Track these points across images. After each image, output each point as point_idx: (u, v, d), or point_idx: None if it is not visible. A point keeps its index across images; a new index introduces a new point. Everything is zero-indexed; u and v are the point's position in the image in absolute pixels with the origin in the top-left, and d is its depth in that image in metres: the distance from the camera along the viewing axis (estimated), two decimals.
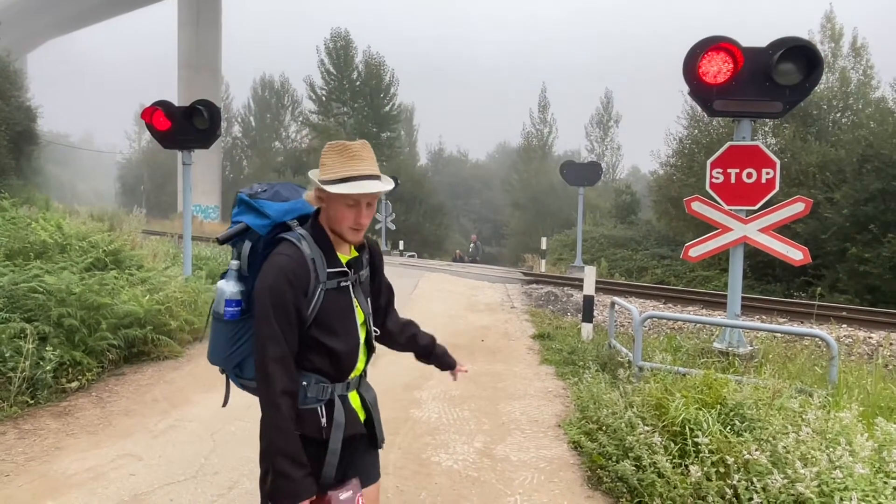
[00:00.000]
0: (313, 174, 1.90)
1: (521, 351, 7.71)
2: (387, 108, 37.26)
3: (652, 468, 3.59)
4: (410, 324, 2.49)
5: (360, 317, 1.96)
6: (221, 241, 1.92)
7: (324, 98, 37.81)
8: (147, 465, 3.96)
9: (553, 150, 45.86)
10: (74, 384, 5.23)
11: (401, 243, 24.54)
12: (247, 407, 5.21)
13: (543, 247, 19.84)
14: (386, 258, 11.87)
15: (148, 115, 9.05)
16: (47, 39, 57.09)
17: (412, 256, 23.28)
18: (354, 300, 1.94)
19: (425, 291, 12.10)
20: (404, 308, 10.05)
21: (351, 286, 1.93)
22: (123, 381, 5.61)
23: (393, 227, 23.91)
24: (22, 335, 4.96)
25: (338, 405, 1.92)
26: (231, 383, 2.11)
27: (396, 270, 15.43)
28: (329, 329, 1.85)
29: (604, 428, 4.39)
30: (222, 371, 2.05)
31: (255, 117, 49.48)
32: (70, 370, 5.27)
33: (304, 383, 1.86)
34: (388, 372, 6.52)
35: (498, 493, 3.88)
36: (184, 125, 9.02)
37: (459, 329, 8.82)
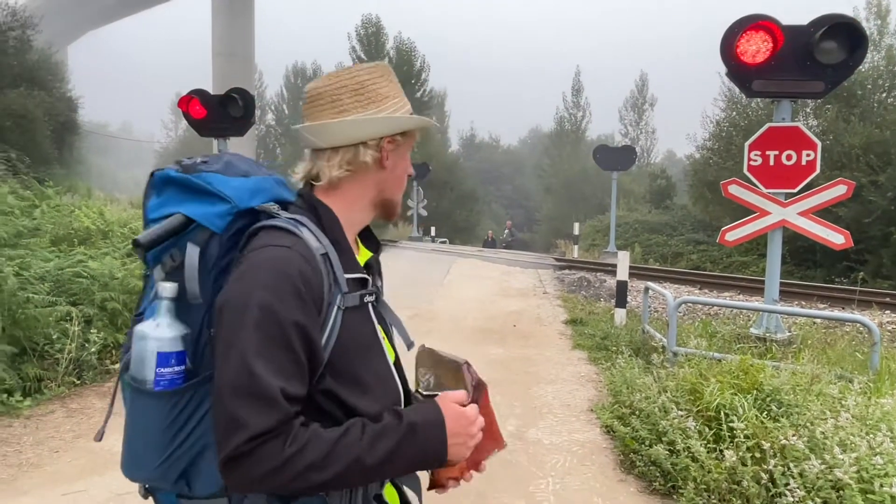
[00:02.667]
0: (400, 119, 1.19)
1: (553, 336, 7.70)
2: (418, 95, 37.19)
3: (685, 452, 3.57)
4: None
5: (390, 355, 1.27)
6: (147, 247, 1.09)
7: None
8: None
9: (586, 135, 45.30)
10: (118, 365, 5.39)
11: (432, 229, 24.59)
12: None
13: (576, 232, 19.68)
14: (417, 244, 12.06)
15: (184, 103, 9.21)
16: (87, 31, 58.39)
17: (444, 242, 23.29)
18: (379, 328, 1.23)
19: (457, 277, 12.13)
20: (437, 294, 10.11)
21: (372, 304, 1.22)
22: None
23: (425, 213, 23.95)
24: (68, 318, 5.14)
25: None
26: None
27: (428, 256, 15.50)
28: (354, 379, 1.11)
29: (637, 412, 4.38)
30: (146, 493, 1.17)
31: (288, 105, 49.92)
32: (114, 352, 5.45)
33: None
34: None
35: (530, 475, 3.90)
36: (219, 113, 9.16)
37: (491, 314, 8.84)
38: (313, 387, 1.06)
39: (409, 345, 1.42)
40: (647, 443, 3.94)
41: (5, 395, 4.37)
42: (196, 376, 1.08)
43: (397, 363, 1.31)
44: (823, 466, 2.97)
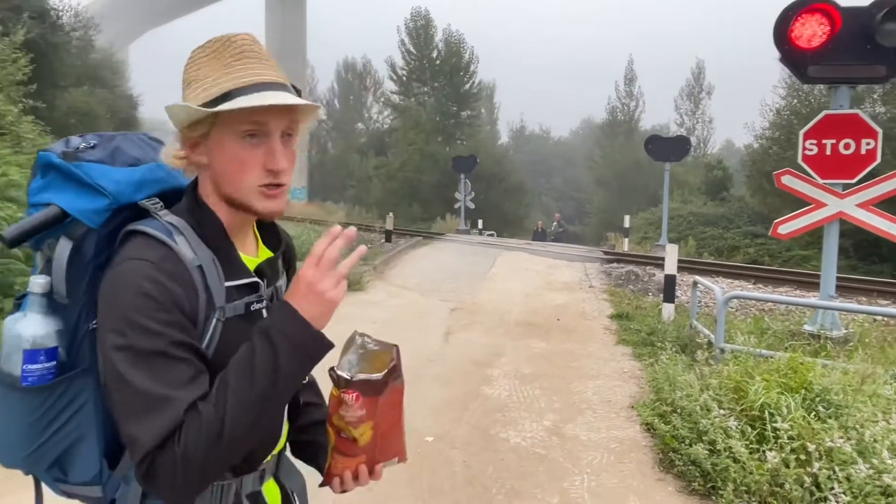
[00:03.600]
0: (177, 108, 1.02)
1: (597, 331, 7.57)
2: (467, 87, 37.11)
3: (726, 453, 3.46)
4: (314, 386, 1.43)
5: None
6: (11, 243, 1.04)
7: (404, 78, 38.10)
8: None
9: (640, 125, 44.27)
10: None
11: (480, 222, 24.51)
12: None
13: (626, 225, 19.29)
14: (464, 237, 12.01)
15: None
16: (147, 30, 60.53)
17: (491, 235, 23.19)
18: None
19: (502, 270, 12.07)
20: (480, 287, 10.08)
21: (265, 310, 1.12)
22: None
23: (472, 205, 23.88)
24: None
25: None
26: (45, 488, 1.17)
27: (473, 249, 15.48)
28: None
29: (678, 410, 4.26)
30: (27, 472, 1.14)
31: (339, 99, 50.65)
32: None
33: None
34: (458, 347, 6.59)
35: (565, 471, 3.85)
36: None
37: (535, 308, 8.76)
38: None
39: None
40: (687, 442, 3.83)
41: None
42: (71, 369, 1.05)
43: None
44: (872, 471, 2.83)
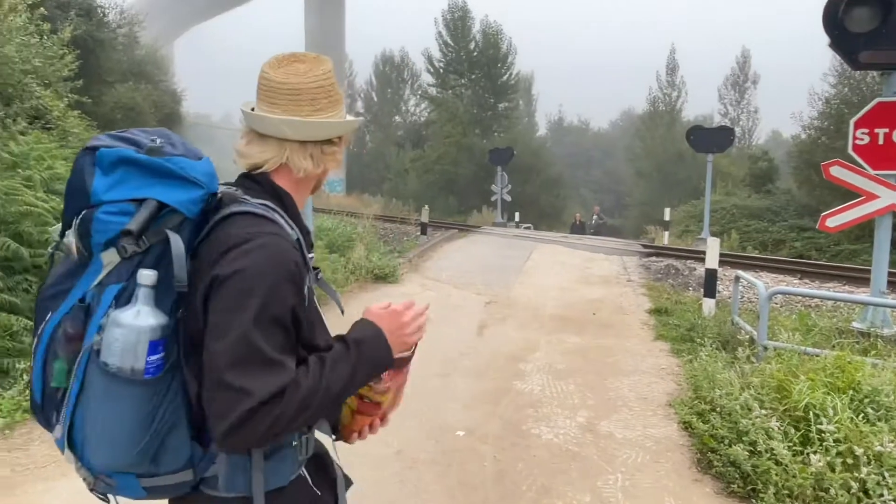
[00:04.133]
0: (341, 122, 1.30)
1: (634, 326, 7.42)
2: (504, 78, 36.77)
3: (768, 454, 3.33)
4: None
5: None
6: (138, 235, 1.08)
7: (441, 70, 37.96)
8: None
9: (682, 116, 43.23)
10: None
11: (516, 215, 24.33)
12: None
13: (667, 218, 18.89)
14: (500, 230, 11.97)
15: None
16: (191, 27, 61.76)
17: (528, 228, 22.98)
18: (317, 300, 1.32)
19: (538, 263, 11.94)
20: (515, 281, 9.99)
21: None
22: None
23: (509, 198, 23.72)
24: None
25: (328, 457, 1.39)
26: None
27: (509, 242, 15.35)
28: (314, 347, 1.22)
29: (717, 409, 4.12)
30: (94, 487, 1.17)
31: (377, 93, 50.79)
32: None
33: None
34: (491, 341, 6.53)
35: (598, 469, 3.77)
36: None
37: (571, 302, 8.63)
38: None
39: (342, 311, 1.49)
40: (727, 442, 3.70)
41: None
42: (168, 361, 1.12)
43: None
44: None
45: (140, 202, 1.10)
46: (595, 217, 25.26)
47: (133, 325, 1.05)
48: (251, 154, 1.27)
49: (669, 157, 36.42)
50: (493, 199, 24.22)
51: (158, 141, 1.18)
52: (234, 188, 1.26)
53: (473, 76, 36.75)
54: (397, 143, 42.60)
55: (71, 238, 1.15)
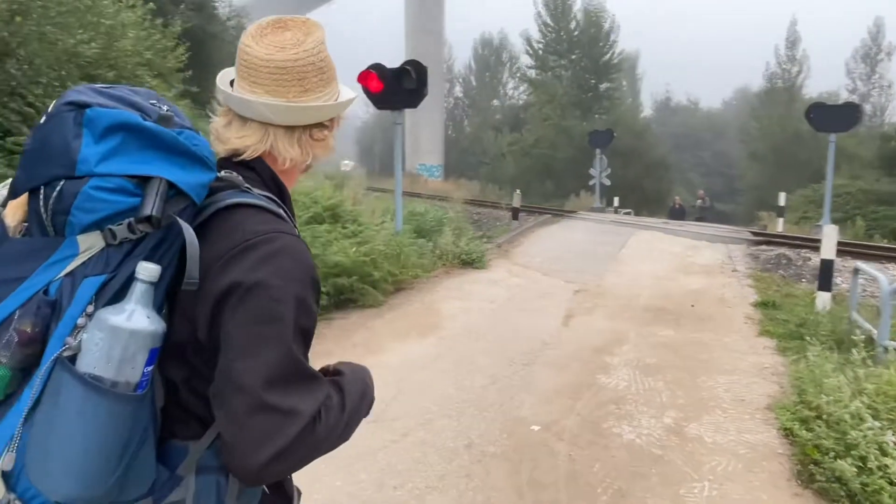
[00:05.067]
0: (333, 105, 1.15)
1: (736, 320, 6.89)
2: (606, 58, 35.44)
3: (880, 472, 2.95)
4: None
5: None
6: (157, 223, 0.92)
7: (540, 51, 37.16)
8: None
9: (803, 92, 39.96)
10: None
11: (615, 199, 23.42)
12: (434, 358, 5.40)
13: (781, 203, 17.53)
14: (596, 215, 11.61)
15: (363, 78, 9.60)
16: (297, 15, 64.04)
17: (628, 213, 22.08)
18: None
19: (634, 251, 11.41)
20: (608, 269, 9.59)
21: None
22: (331, 325, 6.12)
23: (608, 182, 22.88)
24: None
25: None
26: None
27: (604, 228, 14.80)
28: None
29: (823, 416, 3.70)
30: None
31: (476, 76, 50.61)
32: None
33: None
34: (577, 332, 6.26)
35: (682, 476, 3.48)
36: (394, 86, 9.43)
37: (667, 292, 8.16)
38: None
39: None
40: (832, 454, 3.31)
41: None
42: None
43: None
44: None
45: (140, 179, 0.91)
46: (699, 201, 23.85)
47: (135, 330, 0.88)
48: (228, 138, 1.10)
49: (787, 137, 33.82)
50: (591, 183, 23.45)
51: (165, 108, 0.99)
52: (233, 174, 1.07)
53: (574, 56, 35.73)
54: (495, 126, 42.29)
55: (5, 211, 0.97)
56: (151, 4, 10.06)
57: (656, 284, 8.61)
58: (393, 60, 9.59)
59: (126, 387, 0.88)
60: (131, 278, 0.91)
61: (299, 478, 3.64)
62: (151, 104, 0.99)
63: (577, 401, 4.50)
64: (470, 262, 9.19)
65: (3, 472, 0.89)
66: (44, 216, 0.93)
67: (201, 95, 14.48)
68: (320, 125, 1.14)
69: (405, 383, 4.67)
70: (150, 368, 0.92)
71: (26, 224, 0.97)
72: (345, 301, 6.67)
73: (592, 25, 34.84)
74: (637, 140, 31.86)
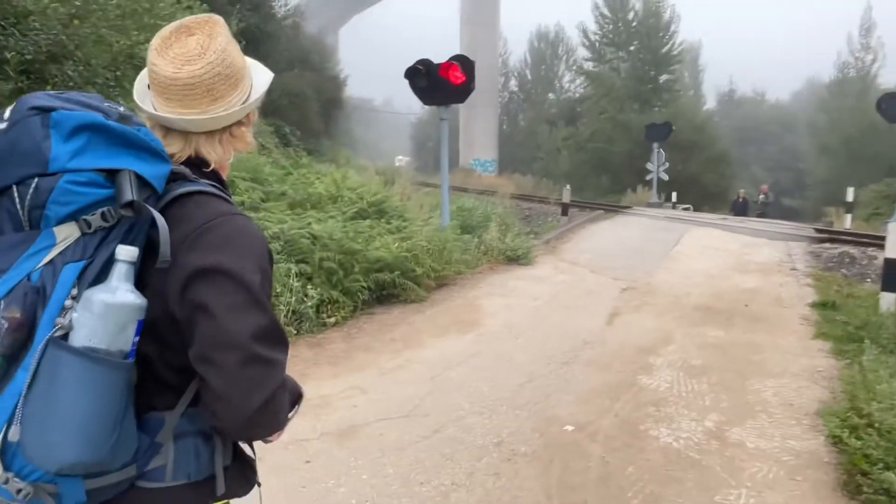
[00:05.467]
0: (261, 81, 1.28)
1: (792, 321, 6.60)
2: (665, 49, 34.44)
3: None
4: None
5: None
6: (138, 209, 1.01)
7: (597, 44, 36.49)
8: (370, 399, 4.30)
9: (878, 82, 37.80)
10: (332, 319, 5.92)
11: (673, 195, 22.75)
12: (471, 354, 5.39)
13: (849, 199, 16.69)
14: (650, 211, 11.30)
15: (410, 74, 9.64)
16: (353, 14, 64.87)
17: (686, 209, 21.41)
18: None
19: (688, 247, 11.07)
20: (659, 266, 9.35)
21: None
22: (372, 320, 6.19)
23: (666, 177, 22.30)
24: (293, 275, 5.74)
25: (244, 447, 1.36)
26: None
27: (659, 224, 14.40)
28: None
29: (875, 424, 3.50)
30: (27, 499, 0.99)
31: (531, 70, 50.09)
32: (329, 307, 5.97)
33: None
34: (621, 330, 6.13)
35: (720, 482, 3.36)
36: (441, 81, 9.43)
37: (720, 290, 7.89)
38: None
39: None
40: (882, 465, 3.13)
41: None
42: None
43: None
44: None
45: (108, 173, 1.01)
46: (761, 196, 22.90)
47: (123, 303, 0.98)
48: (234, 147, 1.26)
49: (860, 129, 32.11)
50: (648, 178, 22.91)
51: (123, 109, 1.08)
52: (180, 167, 1.17)
53: (632, 48, 34.92)
54: (549, 121, 41.77)
55: None
56: (203, 5, 10.36)
57: (709, 283, 8.33)
58: (448, 56, 9.58)
59: (119, 355, 0.98)
60: (109, 262, 1.00)
61: (328, 468, 3.69)
62: (107, 106, 1.07)
63: (615, 401, 4.41)
64: (515, 259, 9.12)
65: (1, 450, 0.96)
66: (20, 212, 1.00)
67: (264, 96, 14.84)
68: (238, 123, 1.25)
69: (440, 379, 4.68)
70: (136, 339, 1.01)
71: None
72: (387, 296, 6.73)
73: (651, 16, 33.94)
74: (697, 133, 30.88)
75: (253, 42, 14.95)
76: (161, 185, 1.07)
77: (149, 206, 1.02)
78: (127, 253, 1.00)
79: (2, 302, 0.96)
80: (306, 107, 21.17)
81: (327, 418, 3.95)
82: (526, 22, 54.22)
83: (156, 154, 1.07)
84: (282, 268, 5.71)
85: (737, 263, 9.73)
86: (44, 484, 0.99)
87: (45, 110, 1.01)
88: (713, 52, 64.69)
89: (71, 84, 5.37)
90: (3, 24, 5.30)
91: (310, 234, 6.30)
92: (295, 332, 5.53)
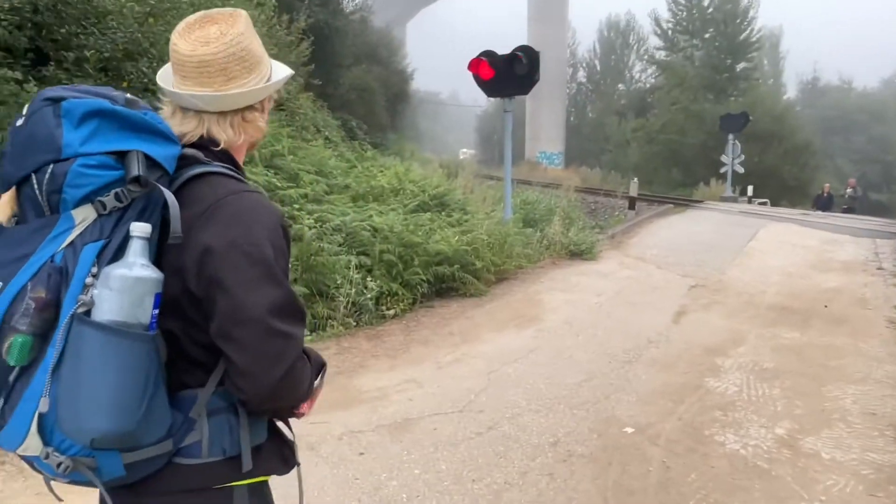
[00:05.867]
0: (257, 89, 1.23)
1: (877, 323, 6.17)
2: (743, 36, 32.91)
3: None
4: None
5: None
6: (144, 183, 1.05)
7: (669, 32, 35.27)
8: (425, 392, 4.29)
9: None
10: (391, 312, 5.94)
11: (749, 188, 21.71)
12: (529, 350, 5.29)
13: None
14: (724, 206, 10.90)
15: (474, 65, 9.56)
16: (420, 9, 65.19)
17: (763, 203, 20.41)
18: None
19: (763, 243, 10.54)
20: (732, 263, 8.94)
21: None
22: (431, 313, 6.18)
23: (741, 169, 21.32)
24: (352, 266, 5.79)
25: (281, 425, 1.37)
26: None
27: (732, 219, 13.79)
28: None
29: None
30: (67, 471, 1.04)
31: (600, 60, 48.98)
32: (388, 299, 6.00)
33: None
34: (689, 329, 5.89)
35: (790, 493, 3.17)
36: (505, 73, 9.32)
37: (797, 290, 7.47)
38: None
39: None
40: None
41: None
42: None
43: None
44: None
45: (120, 155, 1.05)
46: (849, 190, 21.52)
47: (140, 277, 1.01)
48: (172, 125, 1.20)
49: None
50: (722, 170, 21.99)
51: (129, 95, 1.13)
52: (193, 150, 1.21)
53: (707, 35, 33.58)
54: (619, 112, 40.74)
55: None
56: (273, 2, 10.59)
57: (785, 281, 7.91)
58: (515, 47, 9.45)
59: (140, 327, 1.02)
60: (125, 240, 1.05)
61: (381, 461, 3.68)
62: (116, 94, 1.12)
63: (678, 404, 4.23)
64: (579, 253, 8.93)
65: (38, 426, 1.02)
66: (40, 198, 1.05)
67: (324, 89, 15.12)
68: (251, 108, 1.25)
69: (496, 375, 4.62)
70: (156, 311, 1.05)
71: (16, 218, 1.09)
72: (446, 290, 6.71)
73: (728, 2, 32.52)
74: (777, 124, 29.39)
75: (321, 38, 15.23)
76: (171, 165, 1.11)
77: (157, 183, 1.06)
78: (140, 229, 1.04)
79: (28, 284, 1.01)
80: (373, 101, 21.42)
81: (383, 411, 3.96)
82: (595, 12, 53.00)
83: (163, 136, 1.11)
84: (342, 259, 5.77)
85: (817, 261, 9.19)
86: (82, 458, 1.03)
87: (56, 100, 1.05)
88: (795, 39, 61.31)
89: (145, 80, 5.61)
90: (84, 23, 5.58)
91: (371, 226, 6.35)
92: (354, 323, 5.59)
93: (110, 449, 1.04)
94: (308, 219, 5.92)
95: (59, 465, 1.02)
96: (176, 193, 1.09)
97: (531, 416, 3.95)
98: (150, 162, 1.06)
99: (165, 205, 1.06)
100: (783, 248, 10.14)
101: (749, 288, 7.53)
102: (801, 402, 4.26)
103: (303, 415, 1.31)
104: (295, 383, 1.13)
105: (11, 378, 1.03)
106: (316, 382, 1.27)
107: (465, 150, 46.72)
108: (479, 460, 3.43)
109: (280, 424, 1.32)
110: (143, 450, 1.07)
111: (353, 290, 5.64)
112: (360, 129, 18.06)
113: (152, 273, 1.04)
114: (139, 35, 5.70)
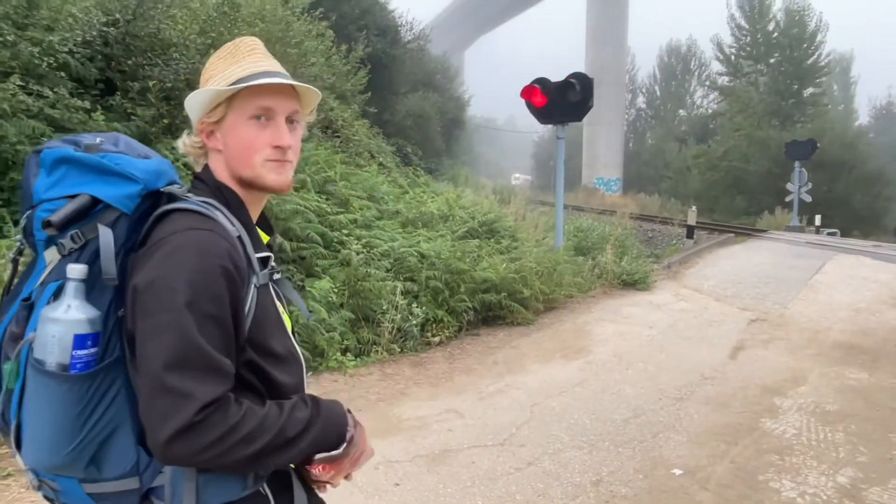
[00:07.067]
0: (197, 94, 1.20)
1: None
2: (811, 60, 31.84)
3: None
4: None
5: (288, 325, 1.28)
6: (60, 226, 1.07)
7: (732, 57, 34.46)
8: (465, 423, 4.22)
9: None
10: (436, 339, 5.91)
11: (817, 218, 20.79)
12: (576, 384, 5.15)
13: None
14: (789, 236, 10.41)
15: (527, 93, 9.57)
16: (479, 36, 66.06)
17: (832, 234, 19.49)
18: (278, 302, 1.24)
19: (830, 277, 10.02)
20: (795, 296, 8.54)
21: (273, 282, 1.24)
22: (476, 341, 6.12)
23: (808, 198, 20.48)
24: (400, 292, 5.81)
25: (295, 481, 1.22)
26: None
27: (798, 250, 13.19)
28: (268, 351, 1.16)
29: None
30: (39, 483, 1.13)
31: (660, 86, 48.27)
32: (434, 326, 5.98)
33: None
34: (746, 366, 5.62)
35: None
36: (558, 100, 9.28)
37: (867, 327, 7.05)
38: (237, 360, 1.09)
39: (308, 317, 1.45)
40: None
41: (340, 354, 5.16)
42: (104, 359, 1.07)
43: (294, 332, 1.32)
44: None
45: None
46: None
47: (59, 319, 1.03)
48: (185, 151, 1.28)
49: None
50: (787, 199, 21.18)
51: (98, 140, 1.17)
52: (180, 186, 1.21)
53: (772, 60, 32.63)
54: (679, 138, 39.93)
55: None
56: (331, 33, 10.89)
57: (854, 317, 7.48)
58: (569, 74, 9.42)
59: (59, 367, 1.02)
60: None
61: (417, 493, 3.61)
62: (99, 141, 1.17)
63: (732, 446, 4.02)
64: (632, 283, 8.71)
65: (16, 445, 1.10)
66: (24, 240, 1.16)
67: (381, 115, 15.38)
68: (198, 128, 1.24)
69: (539, 408, 4.51)
70: (83, 352, 1.04)
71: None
72: (492, 317, 6.64)
73: (795, 25, 31.58)
74: (847, 151, 28.16)
75: (378, 66, 15.57)
76: (127, 204, 1.10)
77: (101, 225, 1.08)
78: (74, 271, 1.06)
79: (13, 319, 1.11)
80: (429, 127, 21.70)
81: (422, 441, 3.92)
82: (655, 38, 52.38)
83: (119, 176, 1.11)
84: (388, 285, 5.80)
85: (890, 296, 8.67)
86: (46, 480, 1.11)
87: (39, 152, 1.15)
88: (867, 63, 58.90)
89: None
90: (150, 54, 5.87)
91: (418, 252, 6.37)
92: (399, 349, 5.58)
93: (67, 476, 1.09)
94: (356, 244, 5.99)
95: (31, 482, 1.12)
96: (147, 231, 1.12)
97: (574, 453, 3.83)
98: (105, 204, 1.09)
99: (123, 245, 1.10)
100: (852, 282, 9.61)
101: (813, 324, 7.16)
102: (867, 449, 3.98)
103: (328, 484, 1.21)
104: (196, 448, 0.99)
105: (11, 398, 1.11)
106: (335, 453, 1.15)
107: (517, 174, 46.55)
108: (517, 497, 3.33)
109: (296, 482, 1.21)
110: (103, 483, 1.09)
111: (399, 315, 5.64)
112: (416, 155, 18.29)
113: (70, 315, 1.03)
114: (200, 66, 5.93)
